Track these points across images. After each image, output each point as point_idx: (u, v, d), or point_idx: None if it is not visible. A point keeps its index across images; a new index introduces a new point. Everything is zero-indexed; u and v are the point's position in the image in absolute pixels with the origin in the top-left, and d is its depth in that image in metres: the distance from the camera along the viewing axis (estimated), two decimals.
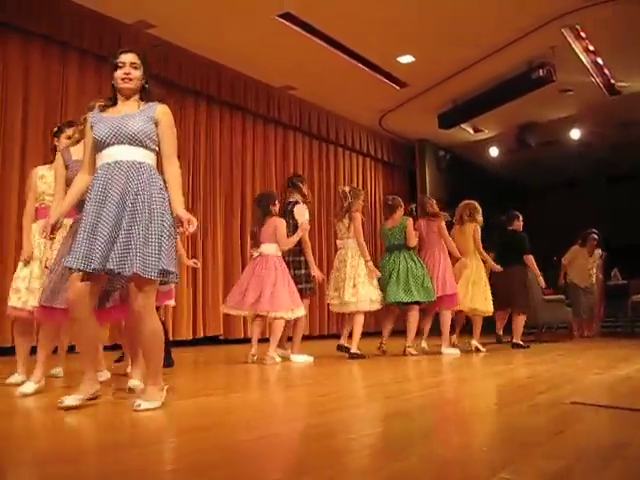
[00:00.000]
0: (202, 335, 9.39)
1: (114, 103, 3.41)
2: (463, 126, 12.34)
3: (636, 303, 10.63)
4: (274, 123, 11.20)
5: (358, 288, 6.67)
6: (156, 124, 3.33)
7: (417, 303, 7.03)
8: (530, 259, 8.09)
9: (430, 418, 3.14)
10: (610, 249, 11.17)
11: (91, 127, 3.32)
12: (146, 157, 3.28)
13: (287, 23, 8.32)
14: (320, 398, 3.79)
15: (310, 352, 6.70)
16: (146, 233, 3.07)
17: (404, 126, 12.92)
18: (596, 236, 10.51)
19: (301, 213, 6.62)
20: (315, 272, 6.60)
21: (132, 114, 3.30)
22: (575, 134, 12.31)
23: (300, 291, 6.40)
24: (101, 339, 3.43)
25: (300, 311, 6.30)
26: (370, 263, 6.80)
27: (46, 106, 7.80)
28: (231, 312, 6.59)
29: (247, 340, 6.88)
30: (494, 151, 13.51)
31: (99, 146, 3.25)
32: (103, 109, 3.40)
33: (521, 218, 8.38)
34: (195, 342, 9.19)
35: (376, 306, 6.80)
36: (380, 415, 3.17)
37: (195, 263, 6.39)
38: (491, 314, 7.68)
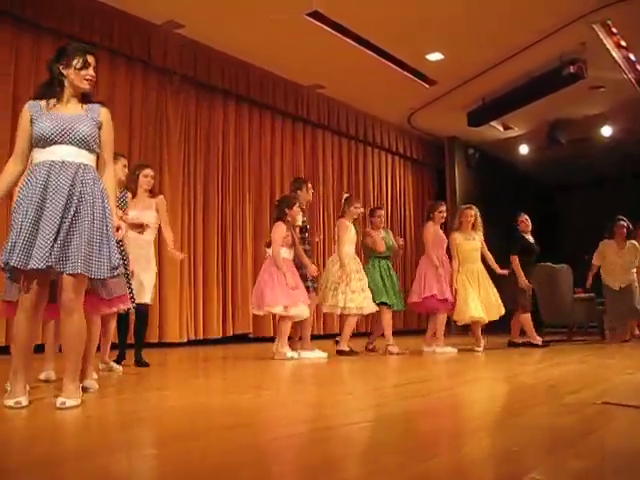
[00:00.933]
0: (232, 333, 9.45)
1: (57, 96, 3.35)
2: (493, 124, 12.25)
3: None
4: (303, 122, 11.21)
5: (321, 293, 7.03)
6: (99, 127, 3.35)
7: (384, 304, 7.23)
8: (513, 259, 7.92)
9: (458, 417, 3.13)
10: None
11: (31, 120, 3.27)
12: (90, 160, 3.31)
13: (315, 22, 8.32)
14: (347, 397, 3.79)
15: (332, 350, 6.76)
16: (90, 234, 3.16)
17: (433, 124, 12.86)
18: (624, 223, 8.92)
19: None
20: (310, 269, 6.63)
21: (79, 115, 3.31)
22: (606, 131, 12.17)
23: (307, 289, 6.59)
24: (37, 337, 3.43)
25: (295, 310, 6.36)
26: (343, 269, 6.90)
27: None
28: (256, 312, 6.78)
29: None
30: (524, 149, 13.40)
31: (42, 142, 3.23)
32: (39, 99, 3.35)
33: (522, 218, 8.27)
34: (225, 340, 9.25)
35: (337, 310, 7.02)
36: (406, 415, 3.17)
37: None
38: (480, 319, 7.48)
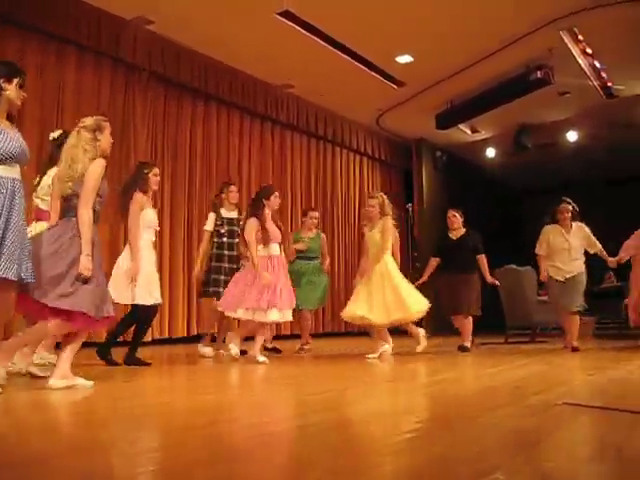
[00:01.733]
0: (197, 333, 9.37)
1: None
2: (460, 126, 12.34)
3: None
4: (272, 122, 11.18)
5: None
6: None
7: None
8: (430, 261, 7.96)
9: (422, 418, 3.14)
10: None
11: None
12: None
13: (286, 21, 8.31)
14: (311, 397, 3.78)
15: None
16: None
17: (401, 126, 12.93)
18: (568, 206, 7.70)
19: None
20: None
21: (18, 135, 3.39)
22: (572, 136, 12.32)
23: None
24: None
25: (231, 313, 6.20)
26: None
27: (42, 103, 7.69)
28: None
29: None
30: (491, 152, 13.51)
31: (7, 160, 3.24)
32: None
33: (448, 214, 7.97)
34: (189, 340, 9.18)
35: None
36: (372, 415, 3.17)
37: None
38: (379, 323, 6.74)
